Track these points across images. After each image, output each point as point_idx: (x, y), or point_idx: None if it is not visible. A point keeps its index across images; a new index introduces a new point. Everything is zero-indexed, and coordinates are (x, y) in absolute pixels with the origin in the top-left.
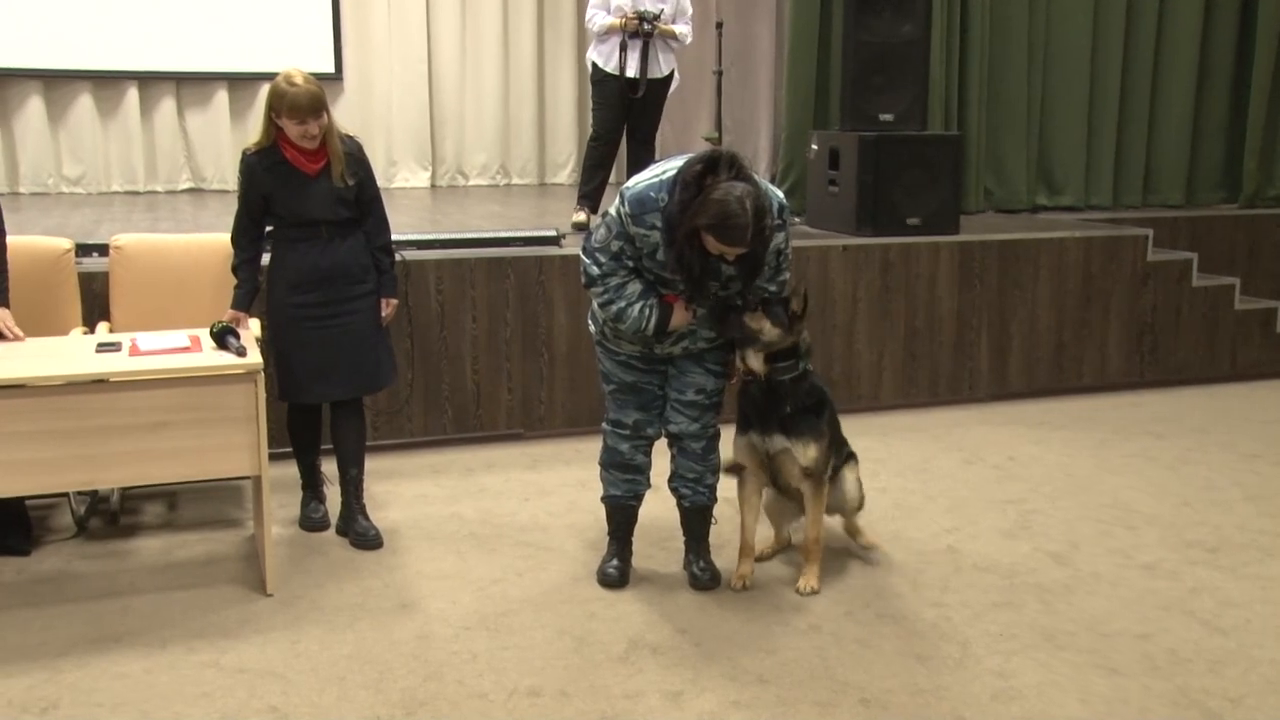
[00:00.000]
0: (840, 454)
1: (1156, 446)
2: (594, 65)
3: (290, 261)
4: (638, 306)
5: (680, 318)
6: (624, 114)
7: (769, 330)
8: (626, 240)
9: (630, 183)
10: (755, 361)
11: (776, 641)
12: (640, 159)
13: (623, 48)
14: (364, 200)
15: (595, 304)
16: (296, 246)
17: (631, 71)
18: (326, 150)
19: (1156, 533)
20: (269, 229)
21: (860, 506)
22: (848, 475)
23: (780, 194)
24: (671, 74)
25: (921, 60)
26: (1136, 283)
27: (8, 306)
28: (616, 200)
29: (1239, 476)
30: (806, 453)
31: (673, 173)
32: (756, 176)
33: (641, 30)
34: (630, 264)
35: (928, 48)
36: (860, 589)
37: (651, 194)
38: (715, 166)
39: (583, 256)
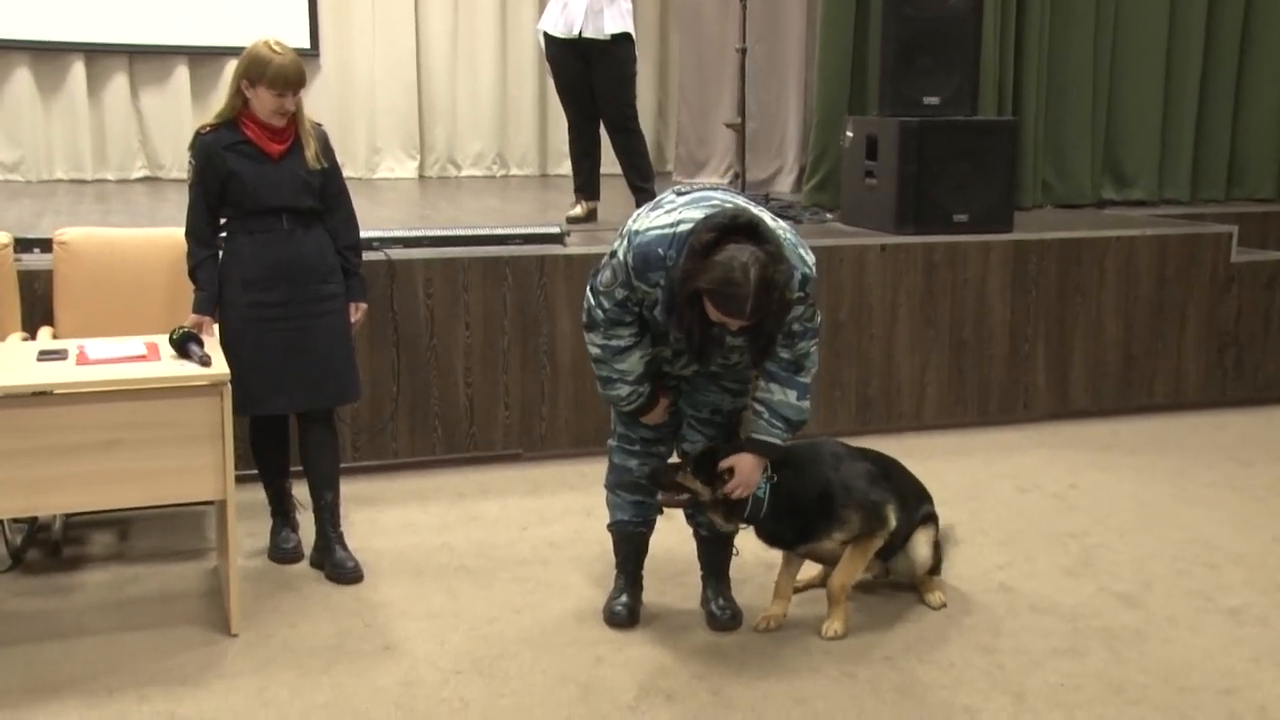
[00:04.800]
0: (913, 515)
1: (1242, 474)
2: (541, 34)
3: (246, 255)
4: (627, 389)
5: (658, 415)
6: (577, 84)
7: (703, 489)
8: (630, 289)
9: (640, 225)
10: (720, 522)
11: (805, 689)
12: (625, 148)
13: (560, 5)
14: (330, 193)
15: (589, 348)
16: (254, 238)
17: (559, 30)
18: (294, 130)
19: (1243, 572)
20: (223, 221)
21: (935, 571)
22: (920, 540)
23: (809, 265)
24: (625, 35)
25: (972, 37)
26: (1218, 287)
27: None
28: (624, 243)
29: None
30: (837, 539)
31: (687, 227)
32: (788, 239)
33: None
34: (635, 310)
35: (979, 23)
36: (901, 632)
37: (659, 250)
38: (731, 234)
39: (588, 294)
